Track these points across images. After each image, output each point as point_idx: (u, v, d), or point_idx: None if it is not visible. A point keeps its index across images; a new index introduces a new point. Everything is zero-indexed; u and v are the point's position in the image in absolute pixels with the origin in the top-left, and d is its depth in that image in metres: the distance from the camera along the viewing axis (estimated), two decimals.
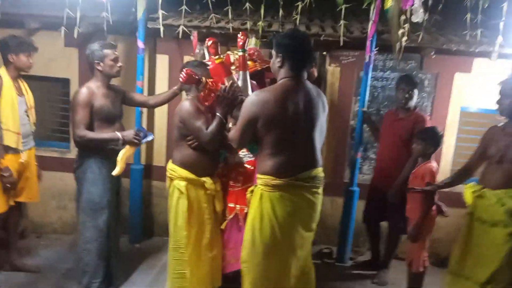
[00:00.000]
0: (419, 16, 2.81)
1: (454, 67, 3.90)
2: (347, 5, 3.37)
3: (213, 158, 2.88)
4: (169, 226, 2.91)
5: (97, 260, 3.05)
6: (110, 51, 2.94)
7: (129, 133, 2.92)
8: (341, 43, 3.49)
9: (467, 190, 2.78)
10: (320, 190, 2.47)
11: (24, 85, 3.31)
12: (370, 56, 3.48)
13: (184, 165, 2.81)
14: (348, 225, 3.86)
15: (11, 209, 3.30)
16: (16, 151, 3.17)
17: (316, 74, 3.60)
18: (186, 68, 2.70)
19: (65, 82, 4.18)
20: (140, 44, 3.67)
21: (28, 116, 3.27)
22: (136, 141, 2.93)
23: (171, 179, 2.88)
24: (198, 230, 2.85)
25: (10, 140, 3.10)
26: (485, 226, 2.64)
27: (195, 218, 2.84)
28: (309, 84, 2.40)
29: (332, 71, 3.93)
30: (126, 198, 4.02)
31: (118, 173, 2.91)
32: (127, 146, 2.94)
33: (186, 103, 2.76)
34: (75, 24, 3.45)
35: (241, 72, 2.91)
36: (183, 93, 3.19)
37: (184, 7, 3.43)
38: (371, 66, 3.55)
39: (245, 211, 2.82)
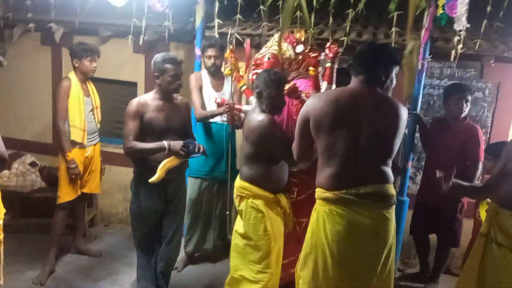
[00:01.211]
0: (461, 24, 2.71)
1: None
2: (399, 12, 3.33)
3: (285, 173, 2.85)
4: (239, 247, 2.84)
5: (142, 265, 3.11)
6: (171, 66, 2.88)
7: (177, 144, 2.84)
8: None
9: (482, 208, 2.59)
10: (389, 212, 2.20)
11: (91, 87, 3.69)
12: (423, 63, 3.40)
13: (257, 182, 2.75)
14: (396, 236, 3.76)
15: (78, 199, 3.68)
16: (82, 145, 3.56)
17: None
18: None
19: (133, 85, 4.54)
20: (198, 51, 3.90)
21: (94, 115, 3.65)
22: (182, 153, 2.84)
23: (242, 197, 2.82)
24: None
25: (76, 135, 3.49)
26: (504, 250, 2.25)
27: (274, 237, 2.78)
28: (380, 95, 2.22)
29: None
30: None
31: (154, 180, 2.82)
32: (172, 157, 2.87)
33: (267, 119, 2.66)
34: (141, 32, 3.77)
35: (325, 83, 3.00)
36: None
37: (238, 16, 3.60)
38: (424, 73, 3.45)
39: (303, 222, 2.89)
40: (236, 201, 2.89)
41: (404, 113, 2.23)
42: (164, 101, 2.96)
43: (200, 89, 3.66)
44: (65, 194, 3.56)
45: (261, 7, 3.44)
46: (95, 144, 3.74)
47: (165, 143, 2.83)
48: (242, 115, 3.33)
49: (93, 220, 4.65)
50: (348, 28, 3.50)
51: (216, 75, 3.69)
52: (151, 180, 2.82)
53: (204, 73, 3.73)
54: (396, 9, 3.33)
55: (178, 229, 3.22)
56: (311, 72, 2.96)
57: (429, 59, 3.46)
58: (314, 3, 3.39)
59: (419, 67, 3.43)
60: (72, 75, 3.54)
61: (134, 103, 2.90)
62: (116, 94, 4.62)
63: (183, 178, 3.28)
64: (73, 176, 3.49)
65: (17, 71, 4.79)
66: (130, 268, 3.61)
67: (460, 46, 3.22)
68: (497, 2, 3.22)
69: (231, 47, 3.34)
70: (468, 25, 2.84)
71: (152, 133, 2.89)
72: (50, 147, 4.66)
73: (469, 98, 3.32)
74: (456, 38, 3.25)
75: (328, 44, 3.16)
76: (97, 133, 3.76)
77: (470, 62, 3.66)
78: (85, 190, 3.75)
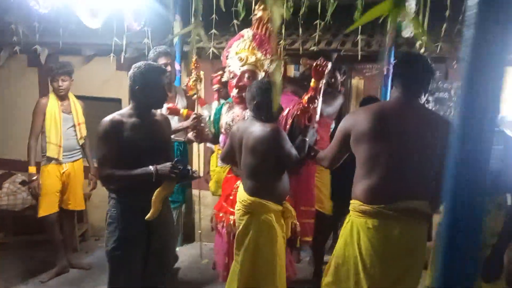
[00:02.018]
0: (408, 31, 2.90)
1: None
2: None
3: (288, 181, 2.76)
4: (247, 267, 2.68)
5: None
6: (158, 76, 2.52)
7: (165, 167, 2.40)
8: (359, 57, 3.64)
9: None
10: (424, 229, 2.16)
11: (75, 104, 3.84)
12: (388, 69, 3.59)
13: (268, 195, 2.64)
14: None
15: (64, 215, 3.83)
16: (58, 161, 3.73)
17: (340, 86, 3.77)
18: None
19: (118, 101, 4.70)
20: (177, 66, 4.07)
21: (75, 131, 3.80)
22: (173, 175, 2.40)
23: (252, 214, 2.65)
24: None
25: (52, 151, 3.67)
26: None
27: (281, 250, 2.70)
28: (421, 107, 2.21)
29: (357, 83, 4.07)
30: None
31: (150, 217, 2.42)
32: (164, 184, 2.45)
33: (275, 127, 2.60)
34: (122, 50, 3.93)
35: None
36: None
37: (213, 31, 3.78)
38: (390, 77, 3.64)
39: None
40: (242, 219, 2.69)
41: (446, 126, 2.06)
42: (143, 118, 2.51)
43: None
44: (43, 208, 3.71)
45: (235, 21, 3.63)
46: (74, 161, 3.87)
47: (151, 168, 2.39)
48: (207, 129, 3.26)
49: (84, 234, 4.77)
50: (317, 37, 3.70)
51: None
52: (147, 217, 2.41)
53: None
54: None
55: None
56: (312, 84, 2.80)
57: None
58: (284, 15, 3.60)
59: (385, 72, 3.63)
60: (51, 94, 3.74)
61: (106, 122, 2.42)
62: (101, 111, 4.75)
63: (169, 205, 2.77)
64: (30, 190, 3.66)
65: (6, 92, 4.95)
66: None
67: (422, 50, 3.42)
68: (457, 6, 3.43)
69: (194, 57, 3.32)
70: (412, 33, 3.03)
71: (129, 156, 2.42)
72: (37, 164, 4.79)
73: None
74: (418, 43, 3.45)
75: (315, 64, 3.18)
76: (78, 149, 3.91)
77: (436, 65, 3.83)
78: (69, 207, 3.89)
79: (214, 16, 3.58)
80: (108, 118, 2.46)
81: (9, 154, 4.93)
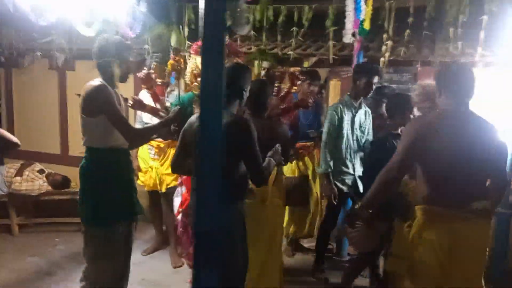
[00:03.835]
0: (348, 37, 3.26)
1: None
2: (335, 28, 3.90)
3: None
4: None
5: None
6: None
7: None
8: (331, 61, 4.01)
9: None
10: (489, 227, 2.36)
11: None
12: None
13: None
14: None
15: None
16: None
17: (317, 89, 4.14)
18: None
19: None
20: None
21: None
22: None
23: None
24: None
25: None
26: None
27: None
28: (474, 114, 2.31)
29: (334, 85, 4.43)
30: None
31: None
32: None
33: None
34: None
35: None
36: None
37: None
38: None
39: None
40: None
41: (493, 130, 2.31)
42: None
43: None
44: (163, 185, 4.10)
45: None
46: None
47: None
48: None
49: None
50: (294, 43, 4.11)
51: None
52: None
53: None
54: (333, 25, 3.92)
55: None
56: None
57: None
58: (264, 23, 4.04)
59: None
60: None
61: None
62: None
63: None
64: None
65: (29, 92, 5.60)
66: None
67: (387, 54, 3.77)
68: (420, 13, 3.77)
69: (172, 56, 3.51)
70: (353, 38, 3.39)
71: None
72: (57, 156, 5.42)
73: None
74: (383, 47, 3.81)
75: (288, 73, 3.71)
76: None
77: (406, 67, 4.18)
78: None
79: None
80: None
81: (31, 146, 5.53)
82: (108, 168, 2.69)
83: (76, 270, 3.90)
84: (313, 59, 4.24)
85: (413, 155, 2.29)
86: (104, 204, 2.65)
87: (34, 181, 4.91)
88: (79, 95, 2.71)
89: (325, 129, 3.60)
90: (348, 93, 3.66)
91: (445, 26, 3.69)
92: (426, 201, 2.30)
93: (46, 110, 5.59)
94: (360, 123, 3.70)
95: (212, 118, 1.30)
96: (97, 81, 2.65)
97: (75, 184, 4.95)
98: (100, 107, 2.58)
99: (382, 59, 3.77)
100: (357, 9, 3.25)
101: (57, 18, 3.23)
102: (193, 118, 2.60)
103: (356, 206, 2.48)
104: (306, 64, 4.27)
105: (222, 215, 1.38)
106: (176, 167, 2.65)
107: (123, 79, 2.80)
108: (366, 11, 3.52)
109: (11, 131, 5.51)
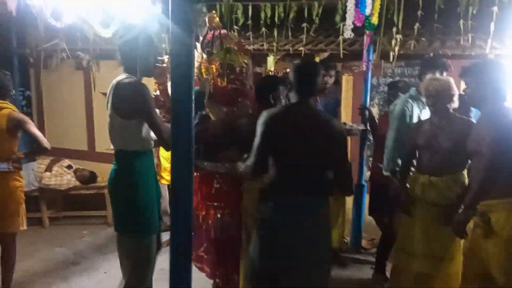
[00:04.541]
0: (348, 33, 3.28)
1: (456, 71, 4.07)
2: (344, 24, 3.93)
3: None
4: None
5: None
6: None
7: None
8: (341, 56, 4.04)
9: None
10: None
11: None
12: (366, 65, 3.96)
13: None
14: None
15: None
16: None
17: (330, 81, 4.17)
18: None
19: None
20: None
21: None
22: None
23: None
24: None
25: None
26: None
27: None
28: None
29: (347, 79, 4.47)
30: None
31: None
32: None
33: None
34: None
35: None
36: None
37: None
38: (369, 73, 4.01)
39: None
40: None
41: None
42: None
43: None
44: None
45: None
46: None
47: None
48: None
49: None
50: (304, 39, 4.17)
51: None
52: None
53: None
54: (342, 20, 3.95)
55: None
56: None
57: (372, 61, 4.00)
58: (276, 20, 4.12)
59: (364, 68, 4.01)
60: None
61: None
62: None
63: None
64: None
65: (57, 91, 5.90)
66: None
67: (397, 48, 3.78)
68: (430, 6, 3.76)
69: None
70: (352, 34, 3.40)
71: None
72: (84, 153, 5.69)
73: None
74: (393, 41, 3.82)
75: None
76: None
77: (418, 61, 4.16)
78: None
79: None
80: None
81: (60, 143, 5.84)
82: (144, 172, 2.49)
83: (100, 260, 4.20)
84: (325, 54, 4.29)
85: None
86: (149, 213, 2.49)
87: (62, 176, 5.19)
88: (105, 94, 2.58)
89: (393, 126, 3.27)
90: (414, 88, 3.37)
91: (455, 18, 3.66)
92: (507, 192, 2.36)
93: (73, 109, 5.88)
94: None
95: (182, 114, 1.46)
96: (129, 78, 2.42)
97: (101, 179, 5.20)
98: (140, 108, 2.36)
99: (391, 52, 3.78)
100: (361, 4, 3.27)
101: (73, 20, 3.40)
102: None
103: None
104: (317, 60, 4.31)
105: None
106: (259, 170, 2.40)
107: (150, 74, 2.60)
108: (374, 5, 3.54)
109: (41, 130, 5.82)
